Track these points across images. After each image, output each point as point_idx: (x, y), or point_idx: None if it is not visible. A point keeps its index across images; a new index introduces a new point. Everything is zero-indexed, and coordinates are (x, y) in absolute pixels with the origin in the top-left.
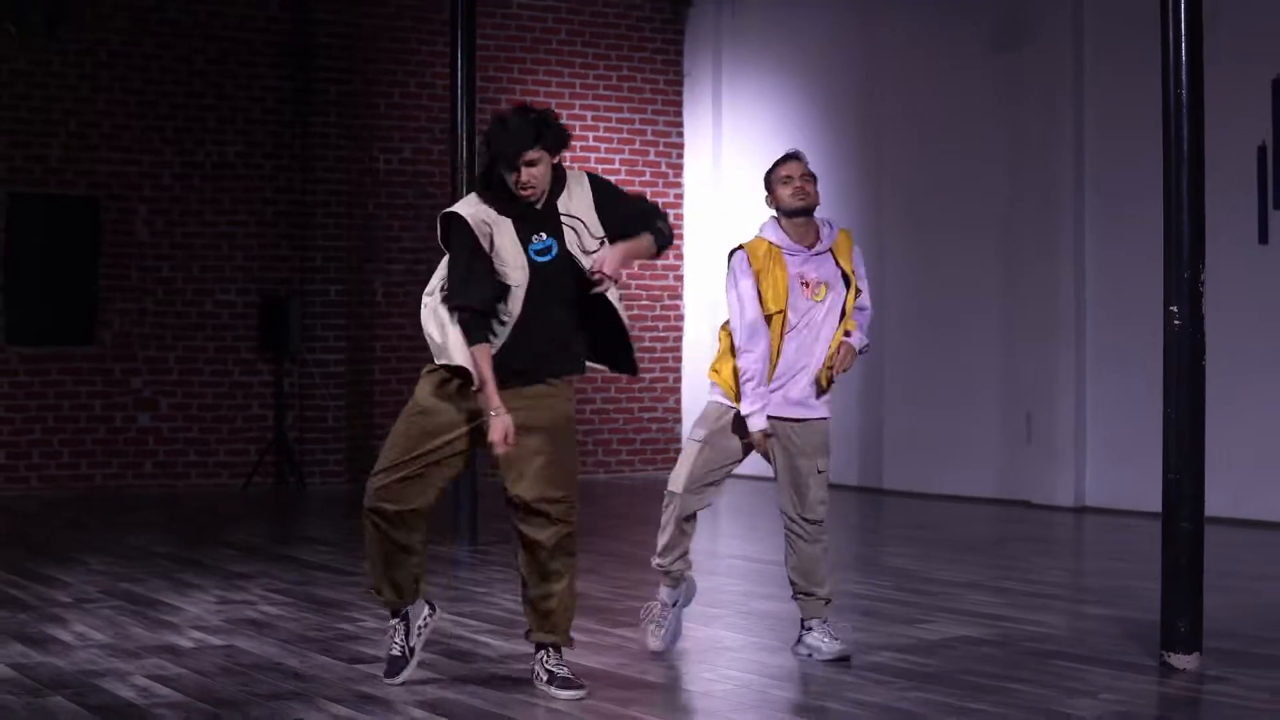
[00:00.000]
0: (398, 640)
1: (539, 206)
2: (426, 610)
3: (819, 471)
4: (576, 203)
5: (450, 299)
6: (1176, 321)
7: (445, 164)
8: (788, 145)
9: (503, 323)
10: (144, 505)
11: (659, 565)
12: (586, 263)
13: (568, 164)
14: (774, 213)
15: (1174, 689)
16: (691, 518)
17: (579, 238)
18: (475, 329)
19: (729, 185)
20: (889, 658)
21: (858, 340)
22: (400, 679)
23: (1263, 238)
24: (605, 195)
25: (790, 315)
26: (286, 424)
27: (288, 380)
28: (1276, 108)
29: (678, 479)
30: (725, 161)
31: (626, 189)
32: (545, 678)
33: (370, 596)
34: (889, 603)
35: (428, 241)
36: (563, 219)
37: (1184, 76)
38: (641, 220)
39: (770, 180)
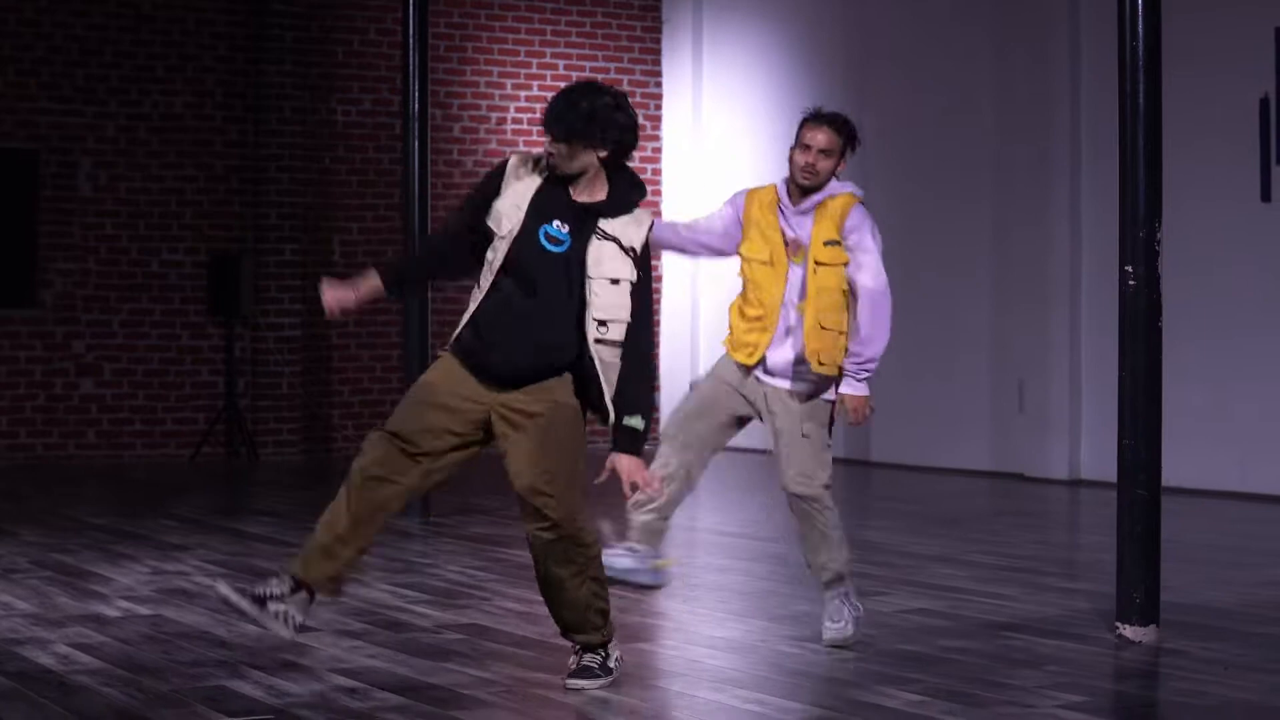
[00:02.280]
0: (278, 590)
1: (583, 200)
2: (299, 618)
3: (803, 436)
4: (628, 229)
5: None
6: (1131, 282)
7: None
8: (771, 96)
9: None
10: (86, 476)
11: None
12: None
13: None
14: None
15: (1124, 661)
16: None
17: (602, 259)
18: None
19: (710, 138)
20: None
21: (858, 385)
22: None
23: (1265, 195)
24: (647, 256)
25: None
26: (238, 391)
27: (239, 345)
28: (1279, 59)
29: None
30: (706, 113)
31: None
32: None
33: (290, 568)
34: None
35: (388, 198)
36: (600, 228)
37: (1140, 28)
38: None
39: (797, 133)
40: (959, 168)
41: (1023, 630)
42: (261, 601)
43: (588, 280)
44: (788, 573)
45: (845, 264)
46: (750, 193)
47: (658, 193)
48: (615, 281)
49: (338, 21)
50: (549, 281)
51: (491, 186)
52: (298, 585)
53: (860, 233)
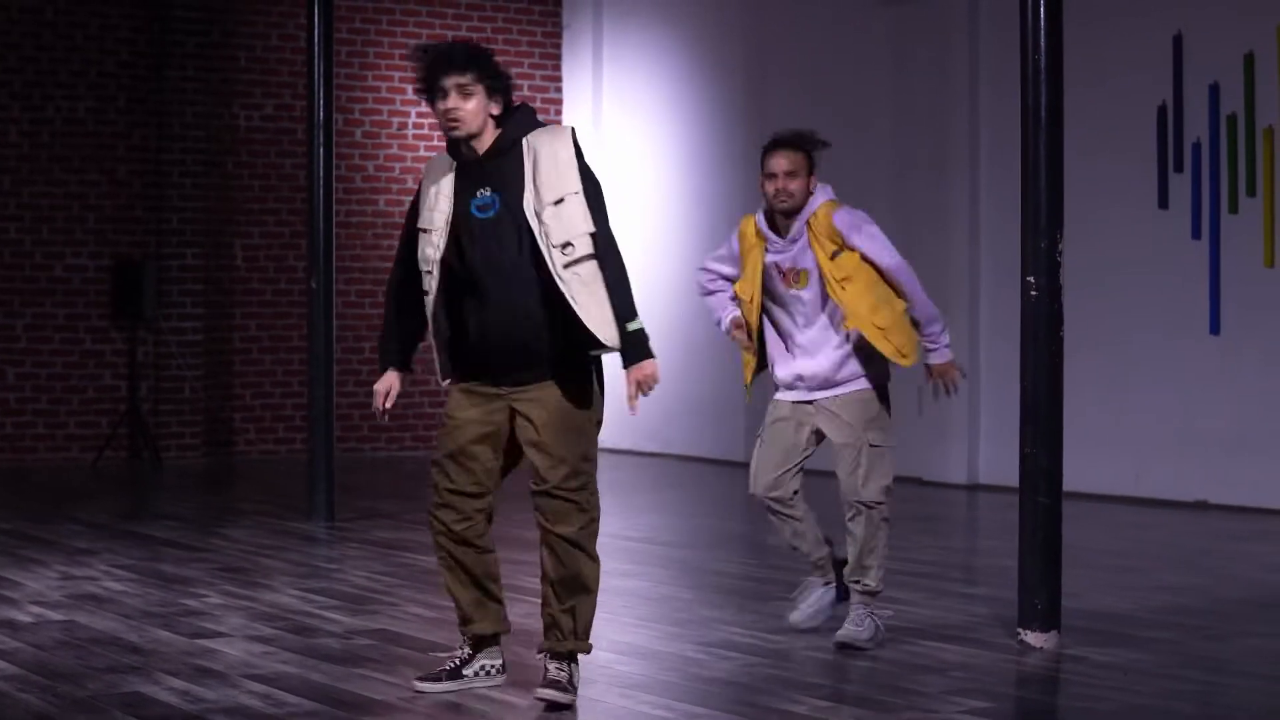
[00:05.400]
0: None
1: (481, 155)
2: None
3: (871, 445)
4: (543, 142)
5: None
6: (1034, 292)
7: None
8: (671, 102)
9: (424, 291)
10: None
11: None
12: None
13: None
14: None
15: (1026, 667)
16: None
17: (537, 188)
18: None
19: (611, 143)
20: (736, 634)
21: (940, 353)
22: (433, 688)
23: (1163, 202)
24: (585, 164)
25: (770, 303)
26: (140, 395)
27: (142, 349)
28: (1177, 67)
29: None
30: (606, 118)
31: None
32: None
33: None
34: (751, 580)
35: (290, 203)
36: (526, 173)
37: (1042, 41)
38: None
39: (761, 164)
40: (857, 176)
41: (926, 636)
42: (456, 674)
43: (534, 218)
44: (690, 579)
45: (860, 259)
46: (740, 228)
47: None
48: (559, 201)
49: (240, 27)
50: (494, 250)
51: (417, 197)
52: (479, 640)
53: (854, 230)
